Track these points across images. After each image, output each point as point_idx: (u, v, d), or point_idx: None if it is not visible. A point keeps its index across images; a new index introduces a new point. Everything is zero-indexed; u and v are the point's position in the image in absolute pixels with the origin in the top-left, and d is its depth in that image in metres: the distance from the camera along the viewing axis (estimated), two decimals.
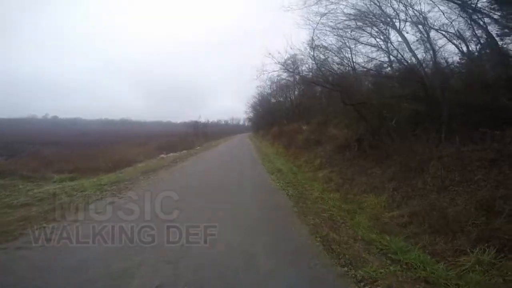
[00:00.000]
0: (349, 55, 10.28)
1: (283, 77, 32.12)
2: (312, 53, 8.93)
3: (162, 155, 13.46)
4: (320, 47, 9.08)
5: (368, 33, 8.87)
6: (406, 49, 8.17)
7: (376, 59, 9.10)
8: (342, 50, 9.59)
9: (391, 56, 8.54)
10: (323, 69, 9.40)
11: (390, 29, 8.48)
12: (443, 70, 7.82)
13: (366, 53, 9.24)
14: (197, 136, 26.16)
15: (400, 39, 8.27)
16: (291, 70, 11.76)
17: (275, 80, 34.69)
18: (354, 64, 10.75)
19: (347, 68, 9.99)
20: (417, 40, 7.97)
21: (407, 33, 8.07)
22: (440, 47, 7.92)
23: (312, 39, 8.78)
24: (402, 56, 8.29)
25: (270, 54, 9.82)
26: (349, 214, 5.06)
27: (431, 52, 7.80)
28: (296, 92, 31.75)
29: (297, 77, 26.94)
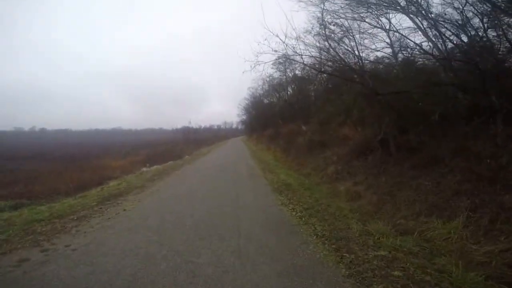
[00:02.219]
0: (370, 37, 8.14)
1: (275, 76, 30.28)
2: (324, 32, 6.71)
3: (144, 168, 11.02)
4: (333, 25, 6.89)
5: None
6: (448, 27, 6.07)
7: (409, 39, 6.96)
8: (361, 30, 7.46)
9: (430, 35, 6.39)
10: (340, 53, 7.21)
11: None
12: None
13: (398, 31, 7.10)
14: (188, 143, 23.64)
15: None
16: (293, 57, 9.54)
17: (267, 80, 32.85)
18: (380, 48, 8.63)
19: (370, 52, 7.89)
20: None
21: None
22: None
23: (322, 14, 6.60)
24: (446, 36, 6.17)
25: (266, 39, 7.53)
26: (431, 262, 2.86)
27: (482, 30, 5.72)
28: (289, 91, 29.86)
29: (297, 70, 24.98)
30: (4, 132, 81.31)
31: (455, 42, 5.95)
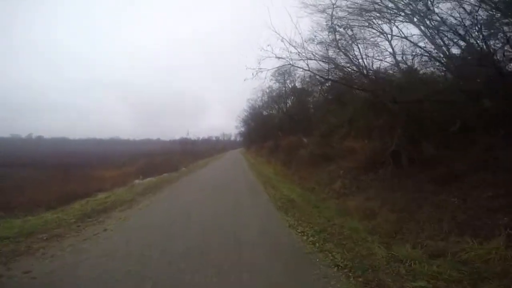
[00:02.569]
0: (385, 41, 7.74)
1: (274, 87, 30.16)
2: (332, 37, 6.31)
3: (137, 181, 10.30)
4: (343, 28, 6.49)
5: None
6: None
7: (419, 46, 6.57)
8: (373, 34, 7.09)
9: (446, 39, 6.00)
10: (353, 59, 6.77)
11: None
12: None
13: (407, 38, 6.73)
14: (185, 154, 22.94)
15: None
16: (297, 63, 9.12)
17: (267, 91, 32.69)
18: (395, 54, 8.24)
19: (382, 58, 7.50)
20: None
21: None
22: None
23: (332, 18, 6.21)
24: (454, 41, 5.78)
25: (269, 45, 7.12)
26: None
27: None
28: (289, 103, 29.62)
29: (297, 82, 24.75)
30: (1, 139, 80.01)
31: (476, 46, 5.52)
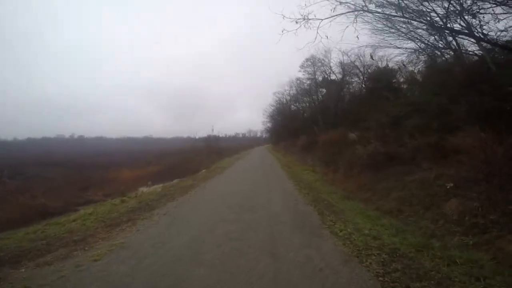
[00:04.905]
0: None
1: (303, 78, 26.60)
2: None
3: (143, 188, 7.92)
4: None
5: None
6: None
7: None
8: None
9: None
10: None
11: None
12: None
13: None
14: (209, 152, 20.58)
15: None
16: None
17: (295, 83, 29.23)
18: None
19: None
20: None
21: None
22: None
23: None
24: None
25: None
26: None
27: None
28: (319, 96, 25.90)
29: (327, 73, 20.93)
30: (47, 139, 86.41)
31: None
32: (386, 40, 10.61)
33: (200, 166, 13.34)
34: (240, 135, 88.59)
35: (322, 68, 22.98)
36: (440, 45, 9.64)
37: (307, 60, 23.91)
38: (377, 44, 11.29)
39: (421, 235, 3.83)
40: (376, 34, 10.30)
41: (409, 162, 7.18)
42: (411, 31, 9.55)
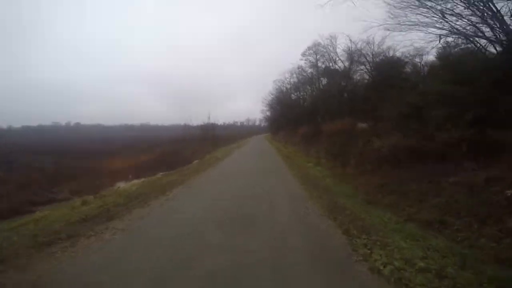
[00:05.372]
0: None
1: (305, 66, 24.88)
2: None
3: (120, 184, 6.67)
4: None
5: None
6: None
7: None
8: None
9: None
10: None
11: None
12: None
13: None
14: (204, 141, 19.25)
15: None
16: None
17: (296, 71, 27.56)
18: None
19: None
20: None
21: None
22: None
23: None
24: None
25: None
26: None
27: None
28: (321, 85, 24.34)
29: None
30: (42, 126, 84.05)
31: None
32: (407, 23, 9.00)
33: (192, 156, 12.06)
34: (239, 124, 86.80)
35: (326, 55, 21.32)
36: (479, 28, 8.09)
37: (309, 48, 22.30)
38: (394, 25, 9.58)
39: (494, 261, 2.65)
40: (393, 16, 8.77)
41: (440, 159, 5.97)
42: (443, 10, 8.01)
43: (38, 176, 9.71)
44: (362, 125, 10.71)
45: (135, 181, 6.73)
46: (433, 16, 8.38)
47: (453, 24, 8.46)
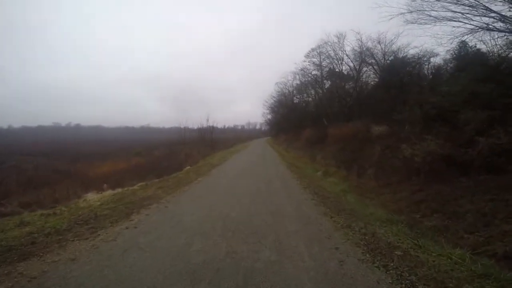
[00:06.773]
0: None
1: (309, 68, 23.61)
2: None
3: (89, 195, 5.32)
4: None
5: None
6: None
7: None
8: None
9: None
10: None
11: None
12: None
13: None
14: (201, 145, 17.92)
15: None
16: None
17: (299, 74, 26.35)
18: None
19: None
20: None
21: None
22: None
23: None
24: None
25: None
26: None
27: None
28: (324, 88, 23.08)
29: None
30: (42, 127, 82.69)
31: None
32: (432, 14, 7.73)
33: (185, 162, 10.69)
34: (239, 127, 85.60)
35: (332, 55, 20.04)
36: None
37: (313, 50, 21.07)
38: (416, 18, 8.22)
39: None
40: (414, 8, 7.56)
41: (488, 170, 4.66)
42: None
43: (8, 181, 8.36)
44: (378, 128, 9.39)
45: (108, 193, 5.38)
46: (459, 11, 7.18)
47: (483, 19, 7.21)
